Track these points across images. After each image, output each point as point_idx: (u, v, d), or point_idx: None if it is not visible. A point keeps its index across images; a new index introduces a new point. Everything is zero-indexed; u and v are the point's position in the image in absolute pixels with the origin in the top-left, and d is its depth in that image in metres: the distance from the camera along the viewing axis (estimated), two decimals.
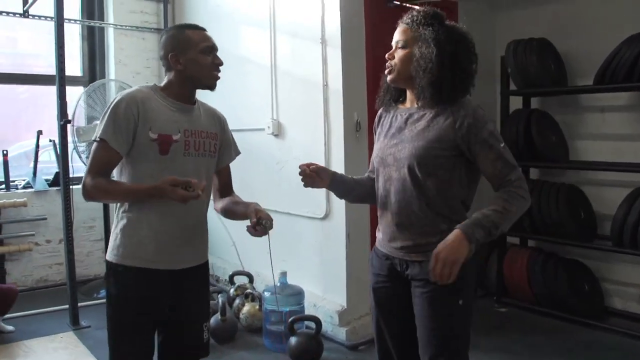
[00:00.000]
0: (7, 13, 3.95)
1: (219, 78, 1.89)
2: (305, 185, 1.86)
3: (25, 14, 3.93)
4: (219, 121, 2.01)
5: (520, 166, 3.96)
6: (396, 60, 1.73)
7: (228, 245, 4.29)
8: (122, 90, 4.15)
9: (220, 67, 1.88)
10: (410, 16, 1.74)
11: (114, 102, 1.76)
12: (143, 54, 4.58)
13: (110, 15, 4.55)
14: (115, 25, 4.50)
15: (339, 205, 3.28)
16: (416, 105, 1.76)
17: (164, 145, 1.76)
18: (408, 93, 1.81)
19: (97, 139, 1.73)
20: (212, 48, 1.86)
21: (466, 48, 1.71)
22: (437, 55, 1.64)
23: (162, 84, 1.88)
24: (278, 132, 3.68)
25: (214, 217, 4.45)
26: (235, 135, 4.28)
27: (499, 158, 1.64)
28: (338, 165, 3.24)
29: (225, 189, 2.07)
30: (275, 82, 3.67)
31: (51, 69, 3.64)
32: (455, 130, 1.65)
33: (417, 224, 1.71)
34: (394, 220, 1.76)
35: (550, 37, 3.78)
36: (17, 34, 4.71)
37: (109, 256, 1.80)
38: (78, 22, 4.44)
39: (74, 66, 4.65)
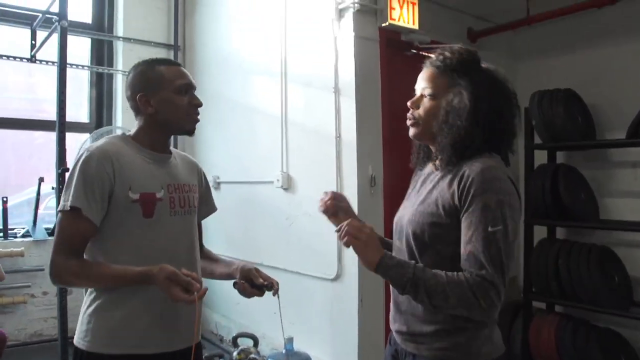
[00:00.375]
0: (15, 57, 3.87)
1: (198, 121, 1.63)
2: (323, 211, 1.67)
3: (32, 59, 3.84)
4: (197, 171, 1.77)
5: (547, 225, 3.79)
6: (421, 111, 1.45)
7: (233, 303, 4.04)
8: None
9: (200, 109, 1.63)
10: (442, 58, 1.46)
11: (80, 160, 1.47)
12: None
13: (120, 62, 4.46)
14: (124, 71, 4.39)
15: (352, 265, 3.03)
16: (436, 164, 1.51)
17: (148, 206, 1.50)
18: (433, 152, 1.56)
19: (67, 208, 1.43)
20: (189, 86, 1.60)
21: (508, 101, 1.43)
22: (471, 113, 1.36)
23: (132, 132, 1.62)
24: (288, 185, 3.47)
25: None
26: (243, 188, 4.05)
27: (472, 242, 1.28)
28: None
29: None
30: (286, 133, 3.49)
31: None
32: (454, 189, 1.35)
33: (409, 305, 1.44)
34: (392, 295, 1.51)
35: (576, 88, 3.57)
36: (36, 80, 4.65)
37: (78, 341, 1.51)
38: (86, 67, 4.35)
39: (83, 113, 4.55)
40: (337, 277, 3.14)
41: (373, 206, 3.07)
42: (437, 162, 1.47)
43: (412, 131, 1.50)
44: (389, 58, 3.20)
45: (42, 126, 4.12)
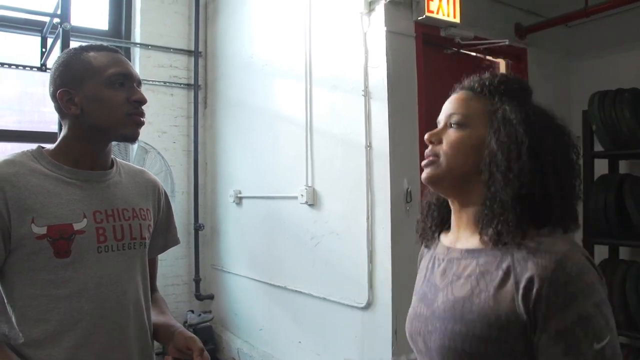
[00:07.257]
0: (24, 67, 3.66)
1: (141, 123, 1.25)
2: None
3: (42, 68, 3.62)
4: (154, 192, 1.38)
5: (610, 244, 3.32)
6: (445, 146, 1.01)
7: (256, 329, 3.70)
8: (144, 152, 3.75)
9: (144, 107, 1.24)
10: (477, 79, 1.05)
11: None
12: (170, 111, 4.18)
13: (137, 70, 4.18)
14: (142, 80, 4.13)
15: (385, 292, 2.65)
16: (461, 243, 1.03)
17: (61, 244, 1.13)
18: (453, 215, 1.07)
19: None
20: (126, 77, 1.23)
21: (570, 147, 0.98)
22: (532, 148, 0.93)
23: (55, 145, 1.25)
24: (313, 201, 3.11)
25: (243, 294, 3.79)
26: (265, 203, 3.55)
27: None
28: (383, 246, 2.64)
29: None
30: (311, 142, 3.14)
31: None
32: (514, 296, 0.89)
33: None
34: None
35: None
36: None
37: None
38: None
39: None
40: (369, 306, 2.75)
41: (409, 225, 2.68)
42: (484, 234, 0.96)
43: (426, 172, 1.04)
44: (426, 56, 2.82)
45: (46, 138, 3.86)
